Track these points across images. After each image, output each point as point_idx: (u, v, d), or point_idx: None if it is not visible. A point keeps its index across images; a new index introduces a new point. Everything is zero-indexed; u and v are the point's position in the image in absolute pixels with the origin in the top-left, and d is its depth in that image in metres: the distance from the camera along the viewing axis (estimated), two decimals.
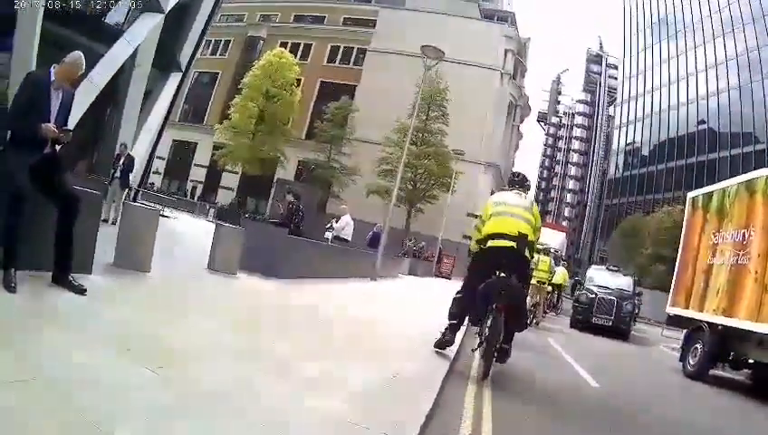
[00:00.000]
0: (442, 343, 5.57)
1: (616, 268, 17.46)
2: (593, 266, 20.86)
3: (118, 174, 12.01)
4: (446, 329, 5.60)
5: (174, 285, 5.91)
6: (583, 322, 14.09)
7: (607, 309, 13.85)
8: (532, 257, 5.66)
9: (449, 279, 26.23)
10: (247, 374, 3.37)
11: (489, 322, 4.86)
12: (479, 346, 5.05)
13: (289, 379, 3.47)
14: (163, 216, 6.27)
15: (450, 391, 4.44)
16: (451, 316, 5.65)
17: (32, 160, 4.03)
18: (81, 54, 4.28)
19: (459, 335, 5.89)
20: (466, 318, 5.69)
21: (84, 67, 4.36)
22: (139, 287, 5.21)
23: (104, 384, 2.63)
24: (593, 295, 14.19)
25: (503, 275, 4.88)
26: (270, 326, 5.19)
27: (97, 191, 5.32)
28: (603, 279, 15.74)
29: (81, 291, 4.12)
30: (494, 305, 4.83)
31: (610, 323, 13.77)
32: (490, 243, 5.10)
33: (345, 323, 6.67)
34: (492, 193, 38.60)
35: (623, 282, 15.82)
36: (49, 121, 4.10)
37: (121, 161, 12.18)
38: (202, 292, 6.02)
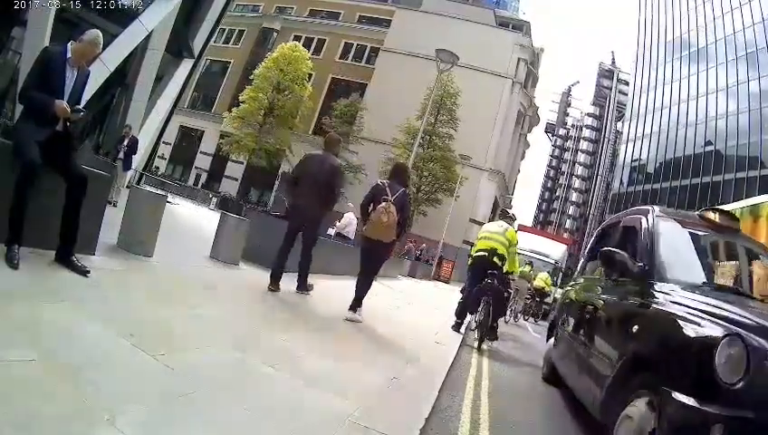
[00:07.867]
0: (458, 326, 8.40)
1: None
2: (657, 209, 4.46)
3: (121, 155, 11.96)
4: (455, 323, 8.43)
5: (176, 272, 5.87)
6: None
7: None
8: (504, 260, 8.05)
9: (448, 283, 26.17)
10: (248, 364, 3.35)
11: (482, 308, 7.56)
12: (476, 326, 7.87)
13: (289, 371, 3.45)
14: (167, 202, 6.25)
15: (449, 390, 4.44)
16: (457, 316, 8.51)
17: (42, 136, 3.97)
18: (100, 33, 4.22)
19: (462, 328, 8.40)
20: (467, 318, 8.57)
21: (102, 46, 4.32)
22: (142, 272, 5.18)
23: (105, 368, 2.61)
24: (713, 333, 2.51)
25: (488, 280, 7.66)
26: (270, 318, 5.16)
27: (105, 172, 5.29)
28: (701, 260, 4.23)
29: (84, 272, 4.07)
30: (484, 299, 7.54)
31: None
32: (474, 254, 8.29)
33: (344, 319, 6.63)
34: (493, 205, 38.81)
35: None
36: (62, 99, 4.03)
37: (125, 143, 12.11)
38: (204, 280, 5.99)
